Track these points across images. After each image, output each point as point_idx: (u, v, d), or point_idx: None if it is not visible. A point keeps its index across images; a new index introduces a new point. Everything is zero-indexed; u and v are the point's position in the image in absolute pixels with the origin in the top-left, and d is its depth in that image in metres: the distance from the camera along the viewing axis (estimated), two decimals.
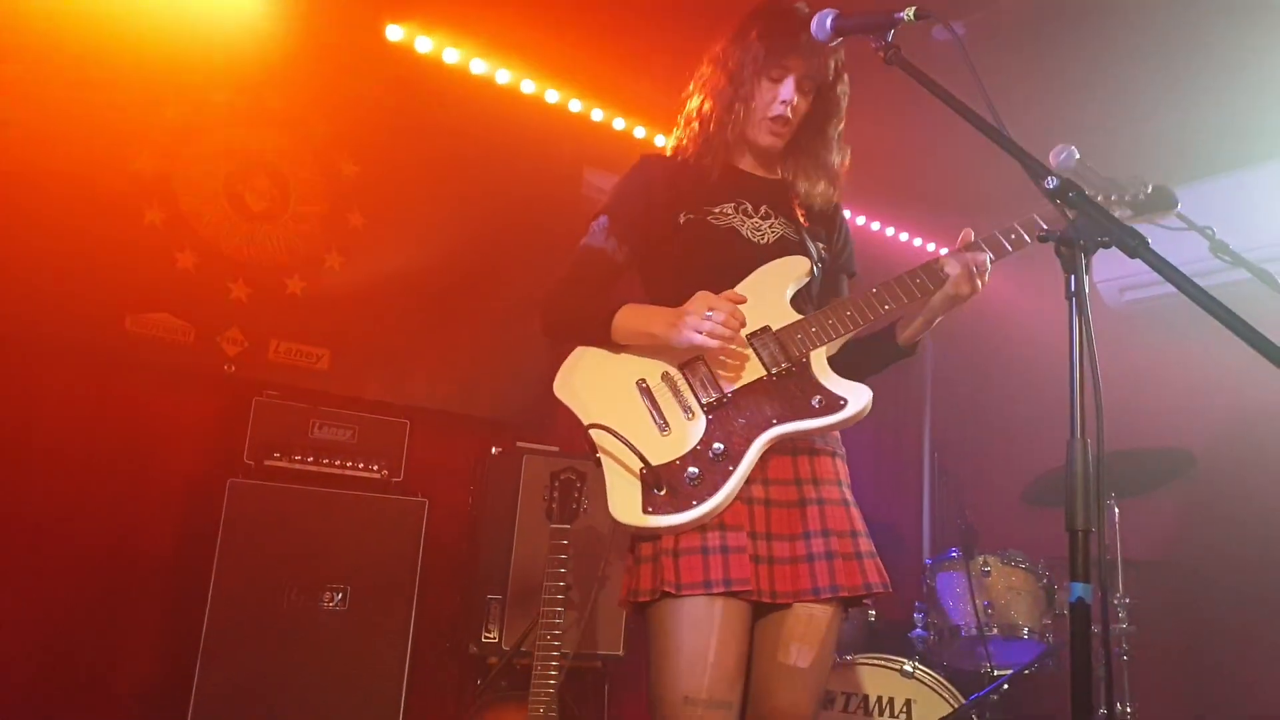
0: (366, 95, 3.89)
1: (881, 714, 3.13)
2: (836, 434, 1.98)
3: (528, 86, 4.21)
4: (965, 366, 5.17)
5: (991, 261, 1.88)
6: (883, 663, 3.19)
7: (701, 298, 1.83)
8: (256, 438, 3.24)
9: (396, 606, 3.27)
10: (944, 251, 2.07)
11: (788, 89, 1.99)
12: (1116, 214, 1.95)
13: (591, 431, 1.85)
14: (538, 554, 3.05)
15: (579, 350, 1.98)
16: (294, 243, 3.71)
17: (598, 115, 4.37)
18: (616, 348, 1.94)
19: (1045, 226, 1.88)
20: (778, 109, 1.99)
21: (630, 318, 1.92)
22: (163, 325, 3.39)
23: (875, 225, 5.27)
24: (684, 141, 2.09)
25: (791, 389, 1.86)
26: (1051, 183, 1.47)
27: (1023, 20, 3.50)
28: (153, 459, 3.34)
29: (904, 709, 3.11)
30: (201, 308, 3.46)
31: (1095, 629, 1.38)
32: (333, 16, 3.79)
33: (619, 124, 4.42)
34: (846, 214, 2.23)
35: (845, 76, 2.08)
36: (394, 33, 3.93)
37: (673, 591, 1.75)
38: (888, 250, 5.23)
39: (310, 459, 3.30)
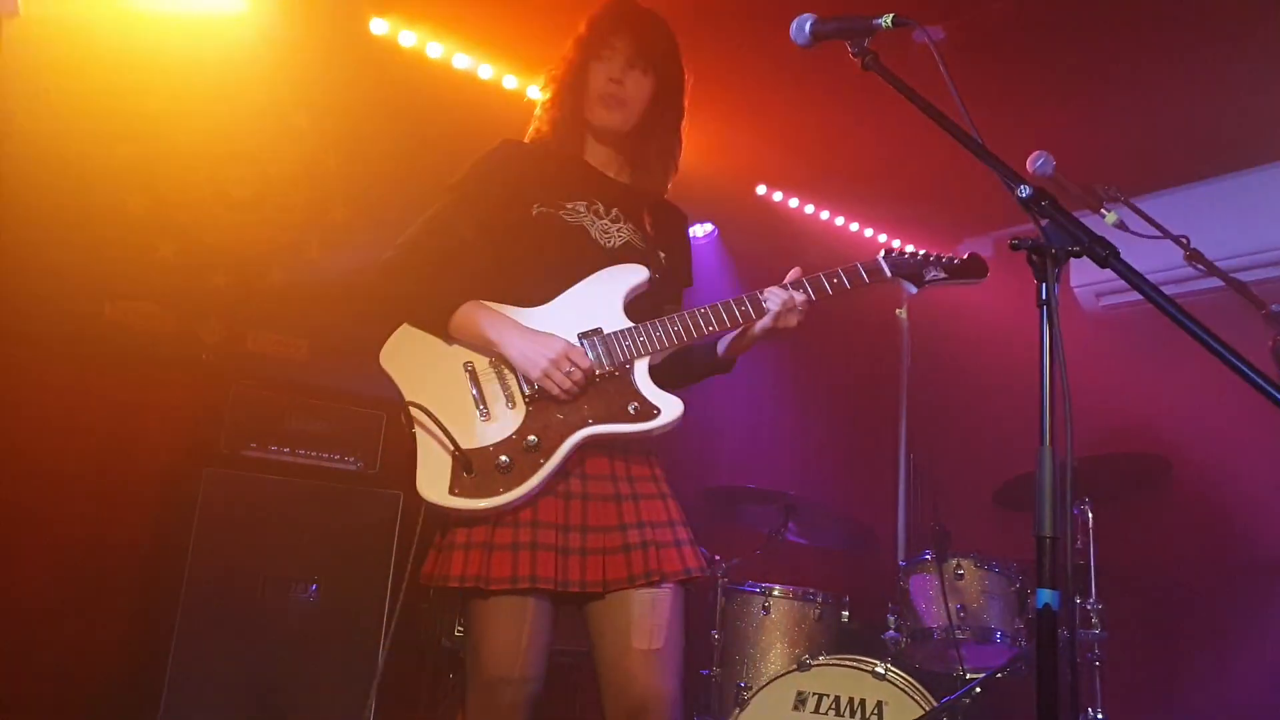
0: (351, 88, 3.87)
1: (853, 716, 3.14)
2: (649, 442, 2.03)
3: (510, 82, 4.19)
4: (941, 368, 5.19)
5: (809, 302, 2.01)
6: (855, 664, 3.20)
7: (570, 350, 1.90)
8: (233, 427, 3.23)
9: (369, 599, 3.26)
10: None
11: (615, 66, 2.08)
12: (928, 276, 2.11)
13: (410, 408, 1.89)
14: None
15: (406, 326, 2.01)
16: (275, 233, 3.69)
17: None
18: (449, 337, 1.98)
19: (865, 278, 2.04)
20: (607, 86, 2.07)
21: (474, 320, 1.96)
22: (142, 313, 3.38)
23: (819, 211, 5.21)
24: (540, 127, 2.16)
25: (611, 392, 1.93)
26: (1024, 191, 1.48)
27: (1002, 28, 3.51)
28: (129, 447, 3.33)
29: (875, 711, 3.12)
30: (181, 296, 3.45)
31: (1064, 633, 1.39)
32: (318, 9, 3.76)
33: None
34: (708, 227, 2.35)
35: (680, 62, 2.17)
36: (378, 26, 3.90)
37: (482, 587, 1.81)
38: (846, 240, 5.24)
39: (286, 449, 3.29)
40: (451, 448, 1.84)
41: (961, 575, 3.44)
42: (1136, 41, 3.56)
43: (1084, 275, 4.47)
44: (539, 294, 2.01)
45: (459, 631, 3.34)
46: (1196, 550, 4.09)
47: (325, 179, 3.81)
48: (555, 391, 1.88)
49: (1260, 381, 1.25)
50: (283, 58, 3.70)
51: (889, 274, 2.07)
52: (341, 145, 3.85)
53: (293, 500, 3.21)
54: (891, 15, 1.70)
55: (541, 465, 1.85)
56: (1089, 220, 1.68)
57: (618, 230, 2.09)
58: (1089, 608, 3.24)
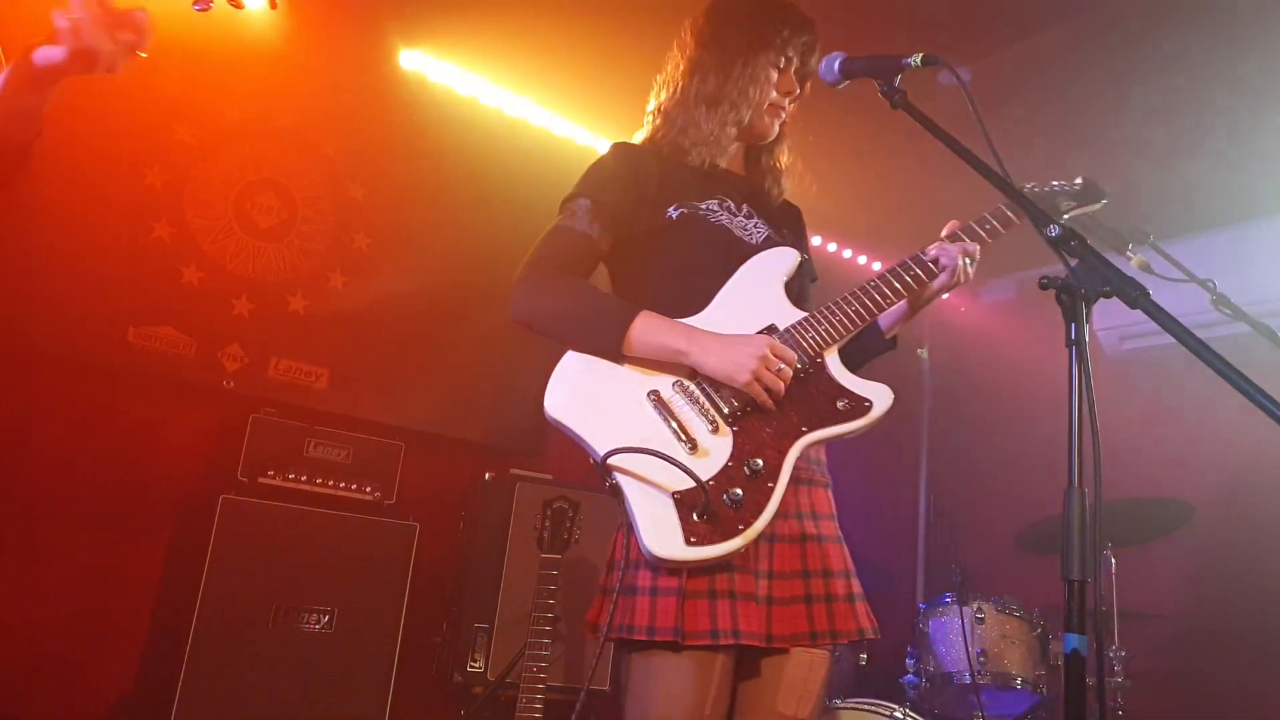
0: (378, 119, 3.93)
1: None
2: (825, 462, 1.88)
3: (537, 117, 4.24)
4: (962, 409, 5.16)
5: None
6: (872, 708, 3.14)
7: (774, 347, 1.68)
8: (251, 454, 3.23)
9: (382, 631, 3.24)
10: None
11: (789, 78, 1.94)
12: (1064, 205, 2.01)
13: (615, 458, 1.60)
14: (527, 583, 3.03)
15: (571, 357, 1.73)
16: (298, 261, 3.72)
17: (604, 148, 4.40)
18: (620, 358, 1.72)
19: (1013, 218, 1.91)
20: (782, 101, 1.94)
21: (656, 330, 1.69)
22: (165, 339, 3.40)
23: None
24: (671, 125, 1.93)
25: (813, 392, 1.72)
26: (1054, 231, 1.47)
27: (1028, 69, 3.53)
28: (148, 472, 3.34)
29: None
30: (204, 323, 3.47)
31: (1090, 681, 1.36)
32: (348, 41, 3.84)
33: None
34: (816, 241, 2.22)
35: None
36: (408, 59, 3.98)
37: (677, 640, 1.57)
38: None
39: (304, 478, 3.28)
40: (675, 489, 1.58)
41: (982, 619, 3.39)
42: (1163, 83, 3.57)
43: (1107, 319, 4.45)
44: (692, 302, 1.78)
45: (473, 666, 3.31)
46: (1221, 598, 4.02)
47: (350, 208, 3.85)
48: (765, 398, 1.65)
49: None
50: (312, 88, 3.76)
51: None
52: (368, 175, 3.89)
53: (309, 529, 3.20)
54: (921, 55, 1.71)
55: (772, 490, 1.62)
56: (1114, 261, 1.67)
57: (754, 226, 1.91)
58: (1112, 655, 3.19)
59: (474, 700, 3.27)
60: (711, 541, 1.57)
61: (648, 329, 1.69)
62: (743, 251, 1.85)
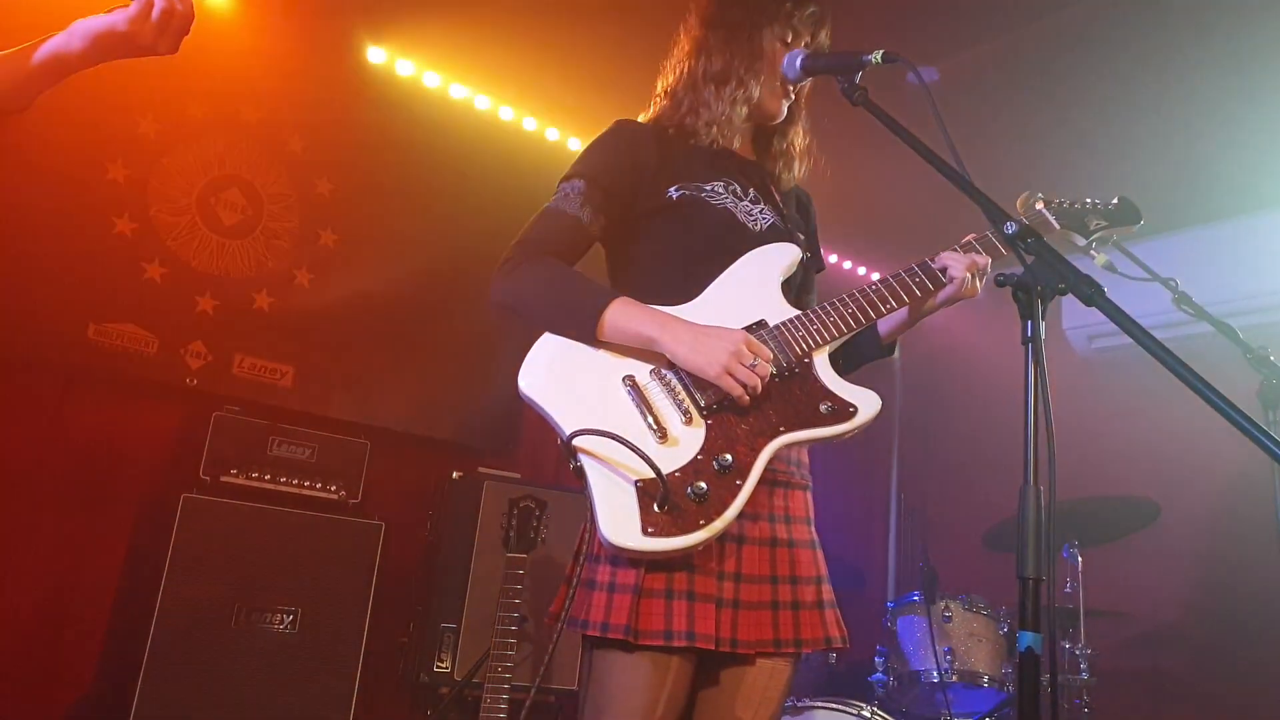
0: (345, 115, 3.89)
1: None
2: (808, 464, 1.83)
3: (506, 113, 4.22)
4: (933, 407, 5.18)
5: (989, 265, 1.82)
6: (841, 707, 3.14)
7: (749, 341, 1.63)
8: (214, 453, 3.19)
9: (347, 631, 3.20)
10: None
11: (804, 55, 1.85)
12: (1092, 224, 1.98)
13: (580, 438, 1.57)
14: (495, 583, 3.01)
15: (547, 338, 1.70)
16: (264, 258, 3.68)
17: (574, 144, 4.39)
18: (597, 342, 1.68)
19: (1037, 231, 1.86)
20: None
21: (630, 317, 1.65)
22: (126, 336, 3.35)
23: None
24: (678, 106, 1.87)
25: (796, 393, 1.67)
26: (1010, 227, 1.47)
27: (998, 67, 3.55)
28: (108, 472, 3.29)
29: None
30: (167, 320, 3.42)
31: (1045, 678, 1.36)
32: (314, 36, 3.80)
33: None
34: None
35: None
36: (375, 54, 3.95)
37: (629, 639, 1.54)
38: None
39: (267, 476, 3.24)
40: (638, 477, 1.54)
41: (949, 617, 3.40)
42: (1125, 87, 3.60)
43: (1076, 317, 4.48)
44: (686, 288, 1.74)
45: (439, 666, 3.28)
46: (1186, 594, 4.05)
47: (317, 204, 3.81)
48: (738, 392, 1.59)
49: (1243, 423, 1.22)
50: (278, 83, 3.72)
51: (1056, 226, 1.93)
52: (334, 171, 3.85)
53: (272, 528, 3.16)
54: (881, 51, 1.70)
55: (740, 488, 1.57)
56: (1078, 262, 1.67)
57: (760, 212, 1.84)
58: (1078, 653, 3.20)
59: (440, 700, 3.25)
60: (668, 534, 1.52)
61: (622, 315, 1.65)
62: (744, 237, 1.79)
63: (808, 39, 1.90)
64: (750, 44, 1.85)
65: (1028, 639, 1.31)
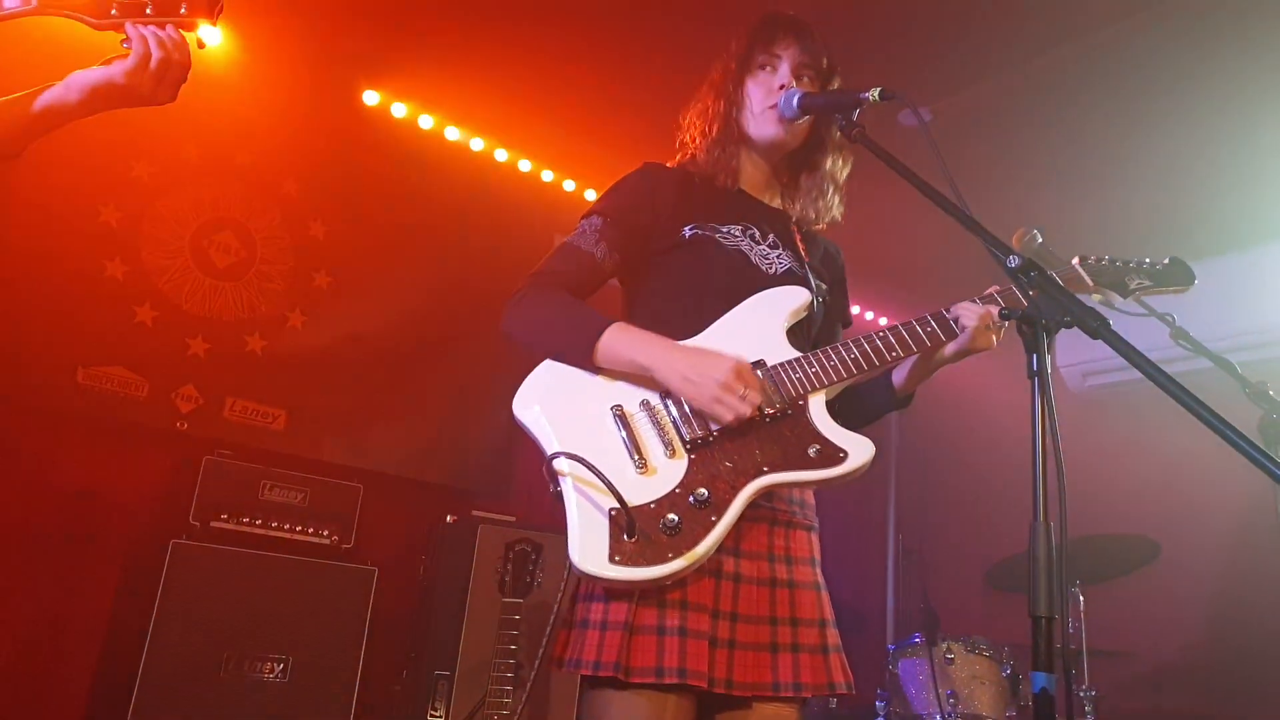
0: (340, 157, 3.90)
1: None
2: (813, 505, 1.80)
3: (500, 155, 4.24)
4: (930, 446, 5.16)
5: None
6: None
7: (743, 371, 1.63)
8: (204, 498, 3.14)
9: (339, 680, 3.14)
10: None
11: (783, 73, 1.87)
12: (1133, 283, 1.93)
13: (557, 461, 1.59)
14: (490, 628, 2.96)
15: (545, 365, 1.72)
16: (257, 300, 3.66)
17: (569, 186, 4.40)
18: (593, 368, 1.71)
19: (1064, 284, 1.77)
20: (773, 96, 1.86)
21: (626, 345, 1.67)
22: (116, 379, 3.32)
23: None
24: (689, 151, 1.93)
25: (785, 434, 1.65)
26: (1013, 261, 1.46)
27: (995, 106, 3.58)
28: (96, 517, 3.23)
29: None
30: (157, 363, 3.39)
31: None
32: (310, 79, 3.82)
33: (590, 195, 4.45)
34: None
35: (838, 76, 1.96)
36: (370, 98, 3.96)
37: (620, 676, 1.52)
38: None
39: (258, 521, 3.19)
40: (610, 505, 1.54)
41: (952, 659, 3.35)
42: (1123, 125, 3.64)
43: (1070, 355, 4.48)
44: (694, 325, 1.75)
45: (433, 715, 3.21)
46: (1188, 633, 4.01)
47: (311, 247, 3.81)
48: (727, 419, 1.59)
49: (1254, 454, 1.21)
50: (273, 126, 3.73)
51: (1090, 283, 1.88)
52: (329, 213, 3.85)
53: (262, 574, 3.10)
54: (879, 89, 1.70)
55: (715, 524, 1.56)
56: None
57: (777, 256, 1.85)
58: (1082, 694, 3.16)
59: None
60: (635, 564, 1.52)
61: (618, 341, 1.67)
62: (756, 280, 1.80)
63: (780, 55, 1.89)
64: (725, 83, 1.91)
65: (1041, 680, 1.28)
